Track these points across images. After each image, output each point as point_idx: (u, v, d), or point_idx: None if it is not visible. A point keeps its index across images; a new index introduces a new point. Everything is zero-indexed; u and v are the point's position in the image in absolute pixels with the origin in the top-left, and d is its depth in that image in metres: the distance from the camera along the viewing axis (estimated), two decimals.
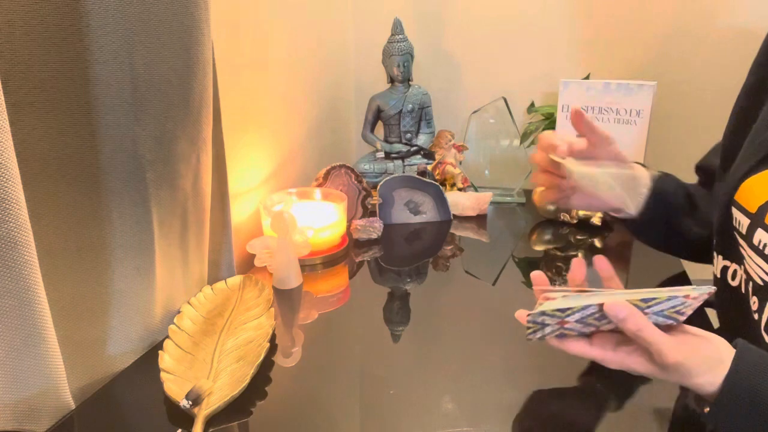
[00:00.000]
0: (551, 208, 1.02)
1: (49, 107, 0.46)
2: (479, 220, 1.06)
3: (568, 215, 1.00)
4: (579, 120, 0.59)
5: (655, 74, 1.13)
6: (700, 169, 0.74)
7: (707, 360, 0.43)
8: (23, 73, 0.45)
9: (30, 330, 0.44)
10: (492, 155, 1.24)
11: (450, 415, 0.51)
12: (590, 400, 0.53)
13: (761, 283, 0.51)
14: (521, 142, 1.18)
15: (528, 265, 0.90)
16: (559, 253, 0.90)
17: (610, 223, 0.99)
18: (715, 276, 0.61)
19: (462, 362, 0.60)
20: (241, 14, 0.85)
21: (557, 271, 0.84)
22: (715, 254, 0.61)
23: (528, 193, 1.17)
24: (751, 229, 0.52)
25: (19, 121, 0.45)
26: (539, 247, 0.96)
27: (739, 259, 0.56)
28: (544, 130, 1.20)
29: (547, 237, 0.98)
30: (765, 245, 0.50)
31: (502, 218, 1.11)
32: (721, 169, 0.63)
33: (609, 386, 0.56)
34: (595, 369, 0.58)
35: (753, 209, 0.52)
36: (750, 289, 0.53)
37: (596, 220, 0.98)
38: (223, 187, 0.73)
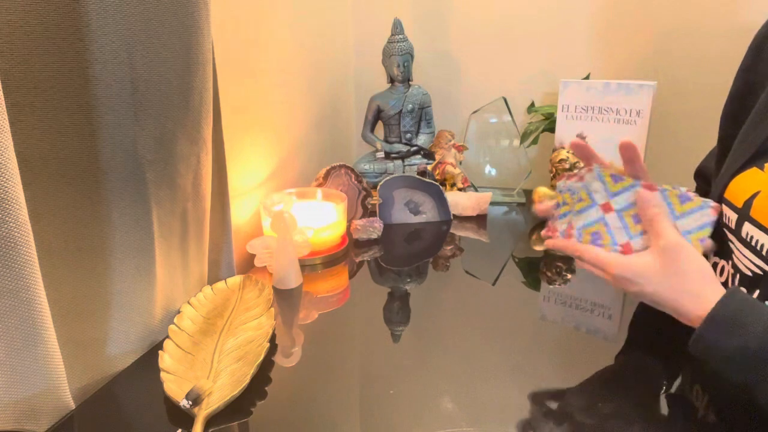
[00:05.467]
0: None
1: (49, 107, 0.46)
2: (479, 220, 1.06)
3: None
4: (582, 151, 0.58)
5: (655, 74, 1.13)
6: (698, 175, 0.75)
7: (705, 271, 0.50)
8: (23, 73, 0.45)
9: (30, 330, 0.44)
10: (492, 155, 1.24)
11: (450, 415, 0.51)
12: (591, 400, 0.53)
13: (750, 274, 0.53)
14: (521, 142, 1.18)
15: (528, 265, 0.90)
16: (559, 253, 0.90)
17: None
18: None
19: (462, 362, 0.60)
20: (241, 14, 0.85)
21: (557, 271, 0.84)
22: None
23: (528, 193, 1.17)
24: (739, 223, 0.54)
25: (19, 121, 0.45)
26: (539, 247, 0.96)
27: (727, 255, 0.57)
28: (544, 130, 1.21)
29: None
30: (752, 237, 0.52)
31: (502, 218, 1.11)
32: (716, 171, 0.64)
33: (610, 386, 0.56)
34: (595, 369, 0.59)
35: (739, 204, 0.54)
36: (737, 282, 0.55)
37: None
38: (223, 187, 0.73)
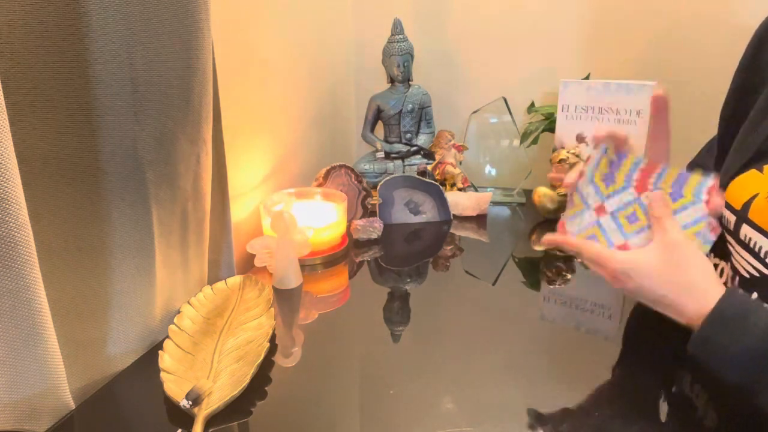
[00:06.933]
0: (551, 207, 1.02)
1: (49, 107, 0.46)
2: (479, 220, 1.06)
3: None
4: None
5: (655, 74, 1.13)
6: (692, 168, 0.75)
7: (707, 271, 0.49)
8: (23, 73, 0.45)
9: (30, 330, 0.44)
10: (492, 155, 1.24)
11: (450, 415, 0.51)
12: (591, 401, 0.53)
13: (747, 275, 0.53)
14: (521, 142, 1.18)
15: (528, 265, 0.90)
16: (559, 253, 0.90)
17: None
18: None
19: (462, 362, 0.60)
20: (241, 14, 0.85)
21: (557, 271, 0.84)
22: None
23: (528, 193, 1.17)
24: (738, 225, 0.54)
25: (19, 121, 0.45)
26: (539, 247, 0.96)
27: (726, 256, 0.57)
28: (544, 130, 1.21)
29: None
30: (750, 239, 0.52)
31: (502, 218, 1.11)
32: (715, 171, 0.65)
33: (610, 386, 0.56)
34: (596, 369, 0.59)
35: (738, 206, 0.54)
36: (736, 283, 0.55)
37: None
38: (223, 187, 0.73)
